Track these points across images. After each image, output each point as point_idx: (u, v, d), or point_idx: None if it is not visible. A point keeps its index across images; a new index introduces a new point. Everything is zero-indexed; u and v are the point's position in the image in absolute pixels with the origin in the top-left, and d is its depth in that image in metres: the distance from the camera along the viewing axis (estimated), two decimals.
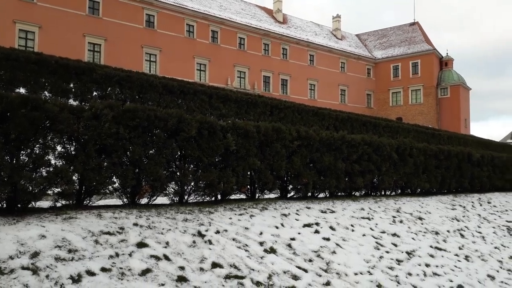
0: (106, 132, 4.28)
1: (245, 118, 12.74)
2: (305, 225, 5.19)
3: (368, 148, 7.21)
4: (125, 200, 4.80)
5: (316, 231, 5.12)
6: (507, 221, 8.61)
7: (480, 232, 7.29)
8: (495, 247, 6.78)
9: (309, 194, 6.65)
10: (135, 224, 4.00)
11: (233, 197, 5.85)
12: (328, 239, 4.98)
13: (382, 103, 53.46)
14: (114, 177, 4.53)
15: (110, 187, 4.60)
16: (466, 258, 5.94)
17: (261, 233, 4.57)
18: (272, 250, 4.27)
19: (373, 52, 55.76)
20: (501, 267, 6.02)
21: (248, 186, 6.00)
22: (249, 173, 5.80)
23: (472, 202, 9.20)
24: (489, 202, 9.69)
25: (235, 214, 4.92)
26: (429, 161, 8.85)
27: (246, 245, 4.20)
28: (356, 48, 54.28)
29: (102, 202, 4.84)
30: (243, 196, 6.03)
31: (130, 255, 3.45)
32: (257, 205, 5.45)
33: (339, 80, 49.62)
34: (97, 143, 4.29)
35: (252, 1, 45.21)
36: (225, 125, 5.38)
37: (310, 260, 4.39)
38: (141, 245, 3.65)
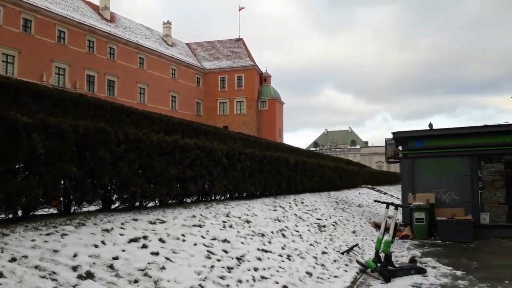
0: None
1: None
2: (131, 240, 4.58)
3: (200, 152, 7.04)
4: None
5: (144, 246, 4.58)
6: (317, 218, 9.72)
7: (297, 231, 7.95)
8: (310, 244, 7.49)
9: (137, 204, 6.02)
10: None
11: (40, 212, 4.76)
12: (157, 254, 4.51)
13: (210, 111, 55.45)
14: None
15: None
16: (288, 257, 6.32)
17: (75, 255, 3.77)
18: (89, 275, 3.55)
19: (202, 62, 57.44)
20: (316, 263, 6.63)
21: (62, 198, 5.00)
22: (62, 182, 4.83)
23: (290, 203, 10.07)
24: (302, 202, 10.79)
25: (41, 235, 3.95)
26: (254, 166, 9.28)
27: (54, 272, 3.37)
28: (187, 57, 54.97)
29: None
30: (54, 211, 4.99)
31: None
32: (71, 221, 4.56)
33: (170, 86, 49.24)
34: None
35: None
36: (30, 122, 4.31)
37: (136, 281, 3.85)
38: None
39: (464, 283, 6.35)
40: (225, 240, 5.76)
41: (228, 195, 8.79)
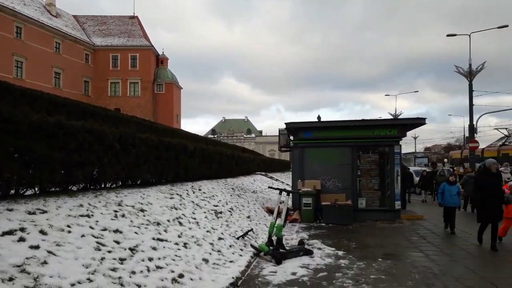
0: None
1: None
2: (4, 233, 4.01)
3: (89, 136, 6.44)
4: None
5: (21, 239, 4.05)
6: (214, 205, 9.77)
7: (195, 218, 7.88)
8: (207, 231, 7.49)
9: (13, 192, 5.28)
10: None
11: None
12: (37, 247, 4.02)
13: (100, 92, 51.55)
14: None
15: None
16: (185, 245, 6.23)
17: None
18: None
19: (92, 37, 52.86)
20: (212, 249, 6.66)
21: None
22: None
23: (187, 190, 9.92)
24: (200, 189, 10.73)
25: None
26: (150, 152, 8.89)
27: None
28: (74, 30, 49.96)
29: None
30: None
31: None
32: None
33: (53, 61, 44.32)
34: None
35: None
36: None
37: (11, 279, 3.38)
38: None
39: (345, 262, 7.02)
40: (117, 231, 5.42)
41: (121, 183, 8.29)
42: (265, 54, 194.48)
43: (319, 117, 15.54)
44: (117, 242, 5.10)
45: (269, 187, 11.23)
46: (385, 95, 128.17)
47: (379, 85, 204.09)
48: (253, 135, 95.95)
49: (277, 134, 17.83)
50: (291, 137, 14.63)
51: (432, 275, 6.23)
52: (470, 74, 29.53)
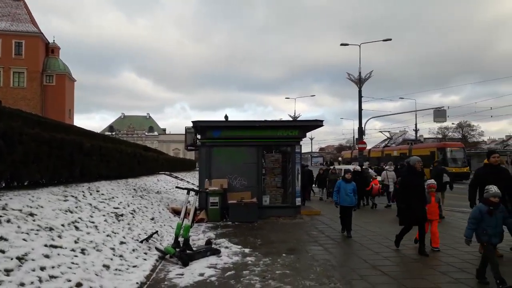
0: None
1: None
2: None
3: None
4: None
5: None
6: (114, 207, 9.15)
7: (93, 222, 7.28)
8: (107, 235, 6.97)
9: None
10: None
11: None
12: None
13: None
14: None
15: None
16: (83, 251, 5.70)
17: None
18: None
19: None
20: (114, 255, 6.22)
21: None
22: None
23: (83, 191, 9.15)
24: (98, 191, 9.98)
25: None
26: (41, 150, 8.00)
27: None
28: None
29: None
30: None
31: None
32: None
33: None
34: None
35: None
36: None
37: None
38: None
39: (251, 259, 7.15)
40: (1, 238, 4.73)
41: (4, 184, 7.29)
42: (169, 50, 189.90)
43: (226, 117, 15.59)
44: (2, 252, 4.46)
45: (176, 187, 10.96)
46: (286, 98, 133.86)
47: (280, 88, 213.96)
48: (156, 133, 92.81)
49: (183, 133, 17.49)
50: (198, 136, 14.45)
51: (331, 267, 6.68)
52: (359, 81, 32.52)
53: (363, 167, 18.39)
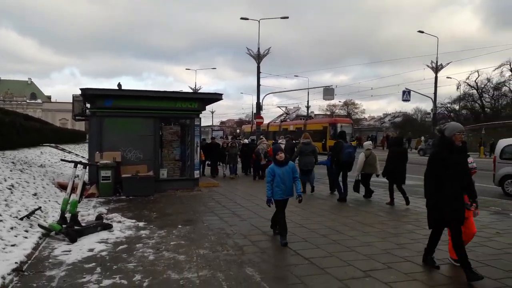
0: None
1: None
2: None
3: None
4: None
5: None
6: None
7: None
8: None
9: None
10: None
11: None
12: None
13: None
14: None
15: None
16: None
17: None
18: None
19: None
20: None
21: None
22: None
23: None
24: None
25: None
26: None
27: None
28: None
29: None
30: None
31: None
32: None
33: None
34: None
35: None
36: None
37: None
38: None
39: (146, 233, 7.07)
40: None
41: None
42: (58, 8, 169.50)
43: (119, 85, 14.71)
44: None
45: (61, 160, 10.12)
46: (186, 69, 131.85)
47: (183, 58, 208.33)
48: (39, 101, 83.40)
49: (71, 101, 16.06)
50: (88, 105, 13.43)
51: (226, 235, 6.97)
52: (258, 57, 33.29)
53: (261, 138, 18.97)
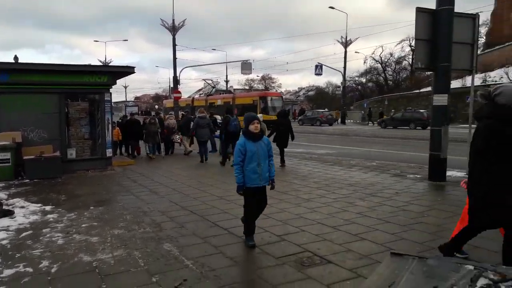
0: None
1: None
2: None
3: None
4: None
5: None
6: None
7: None
8: None
9: None
10: None
11: None
12: None
13: None
14: None
15: None
16: None
17: None
18: None
19: None
20: None
21: None
22: None
23: None
24: None
25: None
26: None
27: None
28: None
29: None
30: None
31: None
32: None
33: None
34: None
35: None
36: None
37: None
38: None
39: (53, 216, 6.59)
40: None
41: None
42: None
43: (16, 58, 13.19)
44: None
45: None
46: (95, 40, 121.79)
47: (91, 29, 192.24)
48: None
49: None
50: None
51: (142, 213, 6.78)
52: (173, 29, 32.12)
53: (170, 114, 18.69)
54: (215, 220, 6.24)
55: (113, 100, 14.18)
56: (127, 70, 13.38)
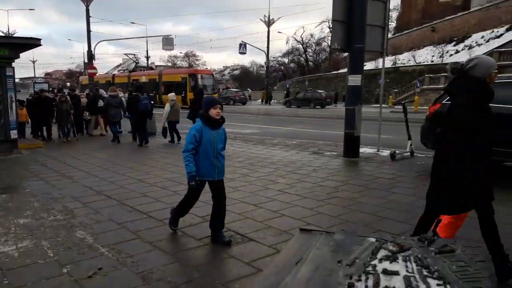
0: None
1: None
2: None
3: None
4: None
5: None
6: None
7: None
8: None
9: None
10: None
11: None
12: None
13: None
14: None
15: None
16: None
17: None
18: None
19: None
20: None
21: None
22: None
23: None
24: None
25: None
26: None
27: None
28: None
29: None
30: None
31: None
32: None
33: None
34: None
35: None
36: None
37: None
38: None
39: None
40: None
41: None
42: None
43: None
44: None
45: None
46: None
47: None
48: None
49: None
50: None
51: (53, 199, 6.27)
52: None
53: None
54: (134, 204, 5.98)
55: (18, 76, 12.76)
56: (32, 42, 12.03)
